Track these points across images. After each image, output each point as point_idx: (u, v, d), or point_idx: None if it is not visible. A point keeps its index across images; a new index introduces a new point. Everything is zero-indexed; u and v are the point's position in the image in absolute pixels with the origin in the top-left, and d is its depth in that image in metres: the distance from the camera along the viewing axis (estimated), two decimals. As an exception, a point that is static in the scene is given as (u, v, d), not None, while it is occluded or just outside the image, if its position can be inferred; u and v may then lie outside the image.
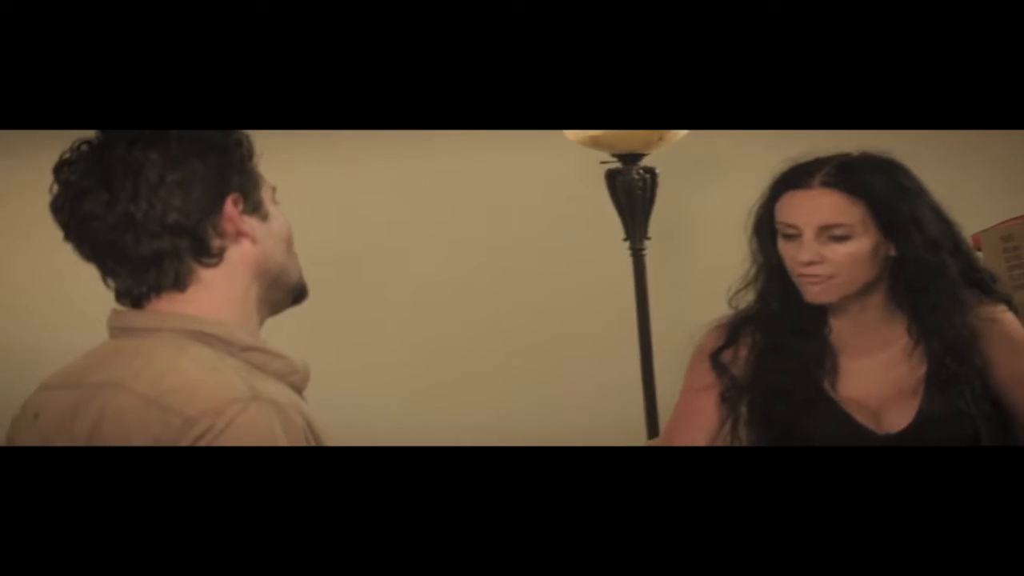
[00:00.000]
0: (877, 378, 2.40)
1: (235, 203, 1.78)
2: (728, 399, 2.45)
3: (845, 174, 2.32)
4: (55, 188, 1.77)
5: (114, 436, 1.68)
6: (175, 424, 1.65)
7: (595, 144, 3.49)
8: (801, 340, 2.41)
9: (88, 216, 1.74)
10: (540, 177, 3.97)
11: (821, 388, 2.41)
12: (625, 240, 3.63)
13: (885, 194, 2.32)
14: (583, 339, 4.01)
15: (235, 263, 1.79)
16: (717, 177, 4.00)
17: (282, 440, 1.66)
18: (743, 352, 2.45)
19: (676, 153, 3.58)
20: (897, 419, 2.38)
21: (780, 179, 2.37)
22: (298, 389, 1.81)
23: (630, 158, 3.54)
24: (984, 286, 2.43)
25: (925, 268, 2.33)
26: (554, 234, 4.02)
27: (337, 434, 1.79)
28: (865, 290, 2.37)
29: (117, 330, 1.81)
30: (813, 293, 2.35)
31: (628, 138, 3.45)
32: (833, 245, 2.31)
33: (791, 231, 2.34)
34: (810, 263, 2.32)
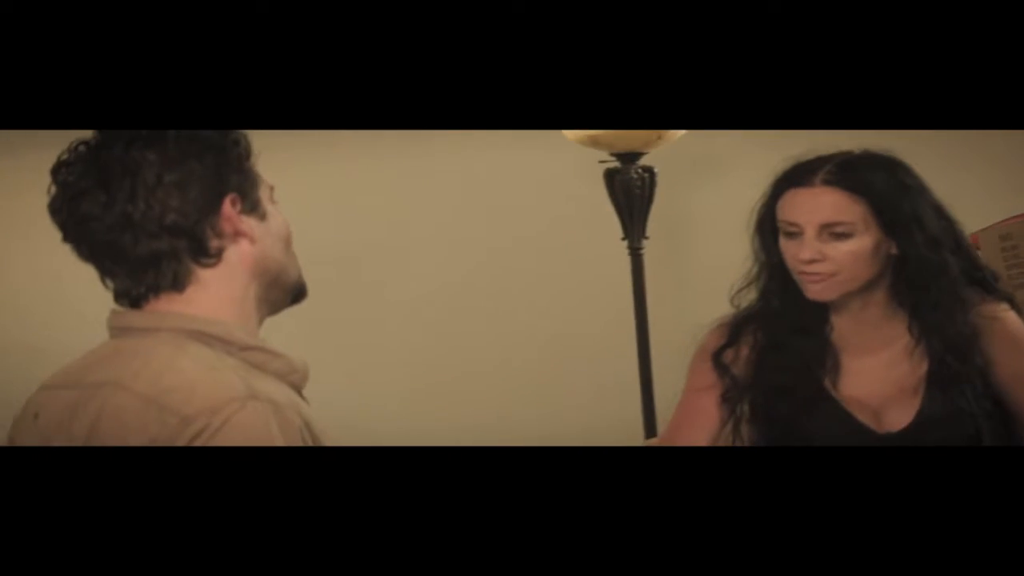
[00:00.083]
0: (878, 377, 2.40)
1: (233, 203, 1.78)
2: (729, 399, 2.45)
3: (846, 172, 2.32)
4: (53, 189, 1.77)
5: (112, 435, 1.68)
6: (172, 423, 1.65)
7: (594, 143, 3.49)
8: (802, 338, 2.41)
9: (86, 217, 1.74)
10: (538, 176, 3.97)
11: (822, 387, 2.40)
12: (623, 239, 3.63)
13: (886, 192, 2.32)
14: (581, 338, 4.01)
15: (233, 263, 1.79)
16: (715, 176, 4.00)
17: (278, 439, 1.66)
18: (744, 351, 2.45)
19: (675, 152, 3.58)
20: (898, 418, 2.38)
21: (782, 177, 2.37)
22: (297, 388, 1.81)
23: (629, 157, 3.54)
24: (986, 284, 2.42)
25: (926, 266, 2.33)
26: (552, 233, 4.02)
27: (335, 433, 1.79)
28: (866, 288, 2.36)
29: (116, 330, 1.81)
30: (814, 291, 2.35)
31: (627, 137, 3.45)
32: (834, 243, 2.31)
33: (792, 229, 2.34)
34: (811, 261, 2.32)
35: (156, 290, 1.77)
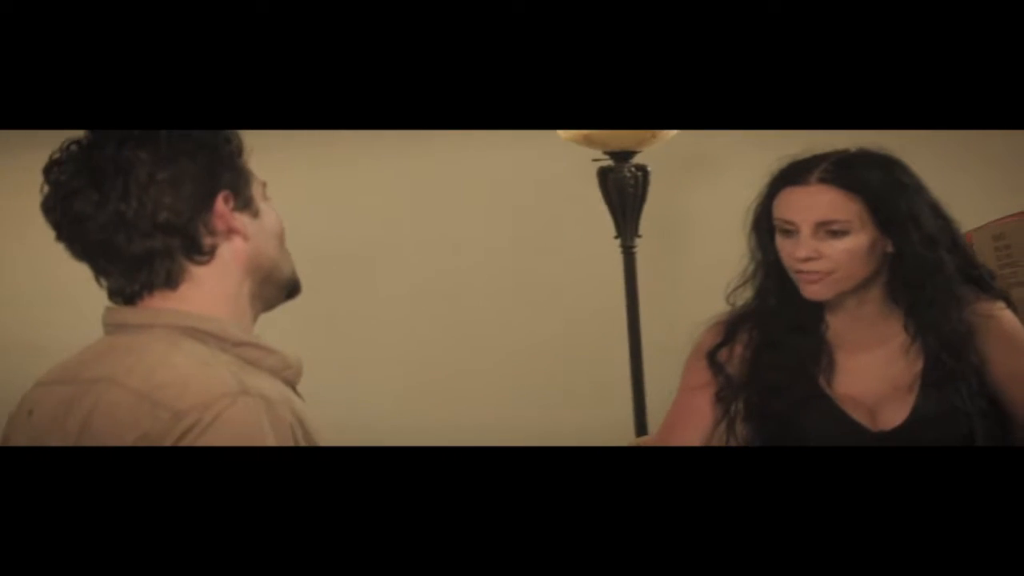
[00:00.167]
0: (874, 375, 2.40)
1: (226, 200, 1.78)
2: (724, 398, 2.44)
3: (843, 170, 2.32)
4: (45, 188, 1.77)
5: (104, 430, 1.69)
6: (164, 418, 1.66)
7: (587, 142, 3.49)
8: (798, 336, 2.41)
9: (79, 216, 1.74)
10: (532, 175, 3.98)
11: (817, 385, 2.40)
12: (616, 238, 3.63)
13: (883, 190, 2.32)
14: (573, 336, 4.01)
15: (227, 260, 1.79)
16: (709, 175, 4.00)
17: (269, 435, 1.66)
18: (739, 350, 2.45)
19: (668, 151, 3.59)
20: (892, 416, 2.38)
21: (778, 175, 2.37)
22: (291, 384, 1.81)
23: (622, 156, 3.55)
24: (982, 283, 2.42)
25: (922, 264, 2.33)
26: (545, 232, 4.02)
27: (329, 430, 1.79)
28: (862, 286, 2.36)
29: (111, 326, 1.81)
30: (811, 291, 2.35)
31: (620, 136, 3.45)
32: (830, 241, 2.31)
33: (789, 227, 2.34)
34: (807, 259, 2.31)
35: (150, 288, 1.77)
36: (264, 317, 1.85)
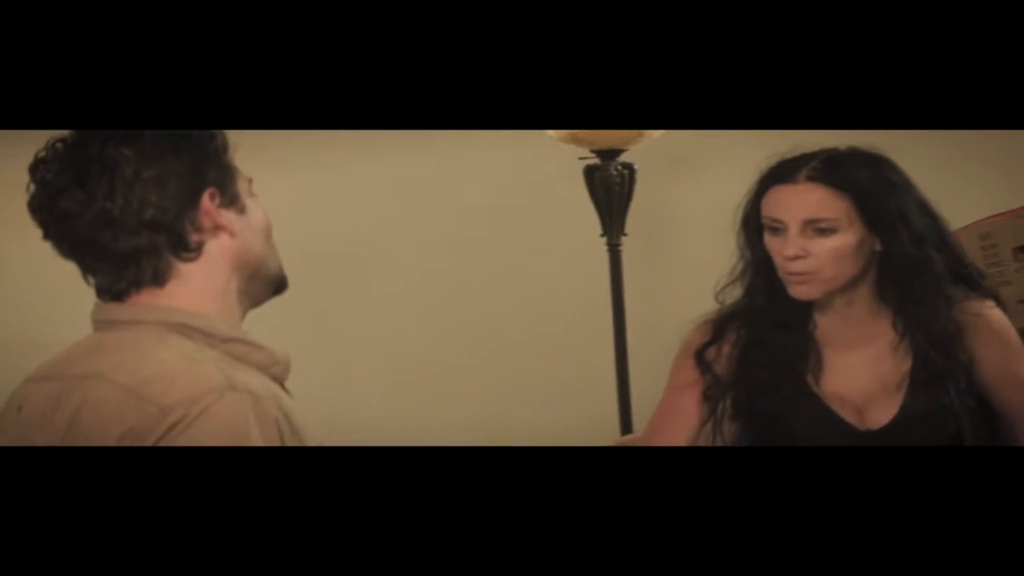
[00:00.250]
0: (862, 373, 2.40)
1: (212, 197, 1.79)
2: (711, 397, 2.44)
3: (831, 168, 2.32)
4: (32, 187, 1.77)
5: (91, 425, 1.69)
6: (151, 412, 1.66)
7: (574, 140, 3.50)
8: (786, 335, 2.41)
9: (66, 214, 1.75)
10: (518, 173, 3.98)
11: (804, 383, 2.40)
12: (602, 236, 3.63)
13: (871, 188, 2.32)
14: (558, 334, 4.01)
15: (214, 256, 1.79)
16: (695, 174, 4.00)
17: (255, 431, 1.66)
18: (727, 348, 2.44)
19: (654, 149, 3.59)
20: (881, 414, 2.37)
21: (767, 174, 2.37)
22: (279, 380, 1.81)
23: (609, 154, 3.55)
24: (971, 281, 2.42)
25: (910, 262, 2.33)
26: (532, 229, 4.03)
27: (317, 426, 1.79)
28: (850, 285, 2.36)
29: (100, 323, 1.81)
30: (799, 291, 2.34)
31: (607, 134, 3.46)
32: (818, 239, 2.31)
33: (777, 225, 2.34)
34: (795, 257, 2.31)
35: (138, 285, 1.77)
36: (253, 314, 1.85)
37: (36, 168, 1.77)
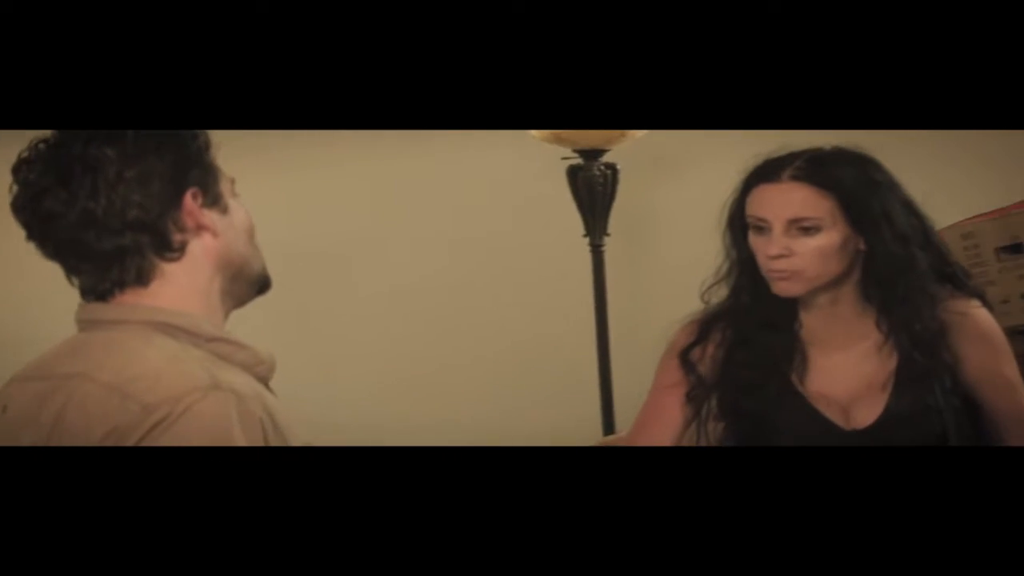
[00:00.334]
0: (847, 373, 2.40)
1: (194, 197, 1.79)
2: (695, 397, 2.44)
3: (815, 167, 2.32)
4: (14, 188, 1.78)
5: (76, 424, 1.69)
6: (134, 411, 1.66)
7: (557, 140, 3.50)
8: (771, 334, 2.41)
9: (49, 215, 1.75)
10: (501, 173, 3.97)
11: (789, 383, 2.40)
12: (585, 236, 3.63)
13: (855, 188, 2.32)
14: (541, 334, 4.01)
15: (197, 256, 1.79)
16: (678, 174, 4.01)
17: (238, 429, 1.67)
18: (711, 349, 2.44)
19: (637, 149, 3.59)
20: (866, 414, 2.38)
21: (752, 173, 2.37)
22: (264, 380, 1.82)
23: (591, 154, 3.55)
24: (956, 280, 2.43)
25: (894, 261, 2.33)
26: (514, 230, 4.03)
27: (301, 425, 1.79)
28: (835, 284, 2.36)
29: (84, 323, 1.81)
30: (781, 288, 2.34)
31: (590, 134, 3.46)
32: (802, 238, 2.31)
33: (761, 224, 2.34)
34: (778, 256, 2.31)
35: (121, 285, 1.77)
36: (237, 313, 1.86)
37: (19, 168, 1.77)
